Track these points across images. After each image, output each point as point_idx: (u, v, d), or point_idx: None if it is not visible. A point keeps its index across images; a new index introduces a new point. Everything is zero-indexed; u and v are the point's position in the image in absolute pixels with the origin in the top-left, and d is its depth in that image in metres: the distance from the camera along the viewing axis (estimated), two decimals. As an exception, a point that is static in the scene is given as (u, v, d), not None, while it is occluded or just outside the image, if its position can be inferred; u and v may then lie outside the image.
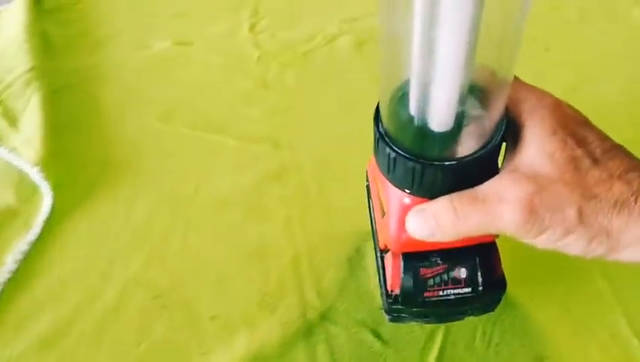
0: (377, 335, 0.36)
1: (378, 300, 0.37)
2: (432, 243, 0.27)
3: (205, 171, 0.45)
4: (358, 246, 0.40)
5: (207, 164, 0.46)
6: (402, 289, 0.29)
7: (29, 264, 0.40)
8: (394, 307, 0.31)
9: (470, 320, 0.36)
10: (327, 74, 0.53)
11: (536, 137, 0.23)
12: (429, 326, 0.36)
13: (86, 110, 0.51)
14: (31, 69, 0.52)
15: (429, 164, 0.23)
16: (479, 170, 0.24)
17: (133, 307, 0.38)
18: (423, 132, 0.24)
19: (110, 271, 0.40)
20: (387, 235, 0.29)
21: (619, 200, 0.22)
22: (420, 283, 0.29)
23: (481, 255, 0.29)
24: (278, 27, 0.57)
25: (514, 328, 0.36)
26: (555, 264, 0.38)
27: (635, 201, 0.22)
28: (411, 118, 0.24)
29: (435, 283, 0.29)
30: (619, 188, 0.22)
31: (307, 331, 0.36)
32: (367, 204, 0.36)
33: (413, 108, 0.24)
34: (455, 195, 0.24)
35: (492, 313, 0.35)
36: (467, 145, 0.24)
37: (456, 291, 0.29)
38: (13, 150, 0.46)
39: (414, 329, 0.36)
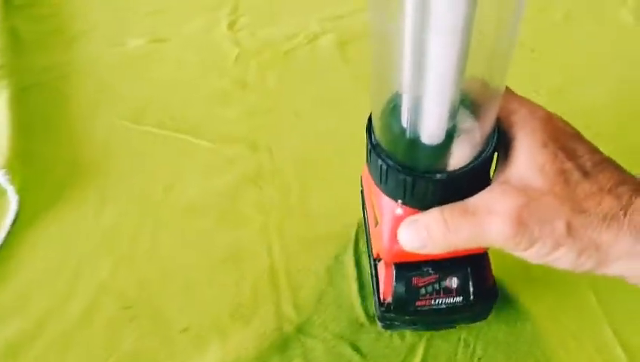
0: (356, 348, 0.34)
1: (357, 311, 0.36)
2: (425, 255, 0.27)
3: (177, 173, 0.44)
4: (337, 254, 0.39)
5: (180, 165, 0.44)
6: (395, 298, 0.30)
7: (-7, 270, 0.38)
8: (386, 315, 0.31)
9: (452, 332, 0.34)
10: (309, 74, 0.51)
11: (527, 149, 0.23)
12: (409, 339, 0.34)
13: (56, 109, 0.49)
14: (-1, 67, 0.50)
15: (420, 177, 0.24)
16: (471, 182, 0.24)
17: (102, 317, 0.36)
18: (415, 144, 0.24)
19: (78, 277, 0.38)
20: (380, 245, 0.29)
21: (608, 215, 0.22)
22: (412, 293, 0.29)
23: (473, 265, 0.29)
24: (258, 25, 0.55)
25: (497, 340, 0.34)
26: (542, 275, 0.37)
27: (624, 215, 0.22)
28: (403, 131, 0.24)
29: (427, 293, 0.29)
30: (608, 203, 0.22)
31: (283, 344, 0.34)
32: (356, 208, 0.37)
33: (404, 121, 0.24)
34: (446, 207, 0.24)
35: (475, 325, 0.34)
36: (458, 158, 0.24)
37: (447, 300, 0.29)
38: (-23, 152, 0.44)
39: (394, 342, 0.34)
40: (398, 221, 0.26)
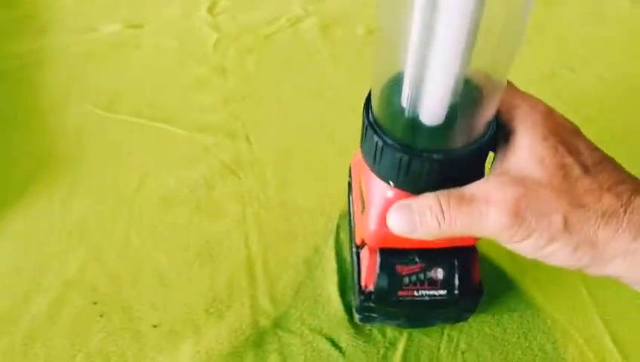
0: (334, 343, 0.33)
1: (336, 305, 0.34)
2: (411, 241, 0.26)
3: (152, 163, 0.42)
4: (317, 247, 0.37)
5: (154, 155, 0.43)
6: (377, 285, 0.29)
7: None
8: (366, 305, 0.30)
9: (434, 326, 0.33)
10: (291, 59, 0.50)
11: (528, 142, 0.23)
12: (390, 334, 0.33)
13: (25, 98, 0.47)
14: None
15: (417, 155, 0.23)
16: (466, 166, 0.24)
17: (69, 313, 0.35)
18: (413, 124, 0.24)
19: (44, 273, 0.36)
20: (366, 230, 0.28)
21: (607, 211, 0.22)
22: (396, 281, 0.28)
23: (460, 258, 0.28)
24: (238, 8, 0.54)
25: (483, 333, 0.33)
26: (531, 268, 0.36)
27: (624, 213, 0.22)
28: (402, 110, 0.24)
29: (410, 282, 0.28)
30: (608, 200, 0.22)
31: (259, 339, 0.33)
32: (338, 200, 0.37)
33: (405, 100, 0.24)
34: (442, 193, 0.24)
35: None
36: (456, 141, 0.24)
37: (431, 292, 0.28)
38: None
39: (374, 337, 0.33)
40: (388, 204, 0.25)
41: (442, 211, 0.23)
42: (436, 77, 0.21)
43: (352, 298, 0.34)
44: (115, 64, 0.49)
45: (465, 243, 0.28)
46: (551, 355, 0.32)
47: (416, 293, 0.28)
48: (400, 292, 0.28)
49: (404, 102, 0.24)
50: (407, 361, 0.32)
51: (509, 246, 0.24)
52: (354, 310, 0.32)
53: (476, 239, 0.28)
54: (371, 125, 0.24)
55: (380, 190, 0.26)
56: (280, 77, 0.48)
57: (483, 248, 0.37)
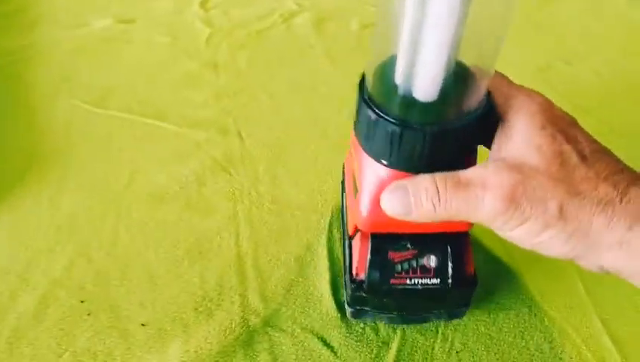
0: (326, 342, 0.32)
1: (328, 304, 0.33)
2: (404, 225, 0.25)
3: (142, 160, 0.42)
4: (309, 244, 0.37)
5: (144, 151, 0.42)
6: (368, 273, 0.28)
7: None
8: (357, 294, 0.29)
9: (430, 324, 0.32)
10: (284, 54, 0.49)
11: (525, 129, 0.23)
12: (383, 333, 0.32)
13: (15, 93, 0.46)
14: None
15: (409, 128, 0.23)
16: (458, 140, 0.24)
17: (56, 311, 0.34)
18: (407, 100, 0.24)
19: (31, 270, 0.36)
20: (358, 215, 0.27)
21: (603, 200, 0.22)
22: (388, 268, 0.28)
23: (453, 244, 0.28)
24: (231, 3, 0.53)
25: (478, 332, 0.32)
26: (527, 265, 0.35)
27: (620, 202, 0.22)
28: (396, 86, 0.24)
29: (402, 269, 0.28)
30: (604, 189, 0.22)
31: (248, 338, 0.32)
32: (330, 196, 0.36)
33: (399, 77, 0.24)
34: (438, 176, 0.24)
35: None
36: (448, 115, 0.24)
37: (424, 281, 0.28)
38: None
39: (367, 336, 0.32)
40: (381, 186, 0.25)
41: (438, 193, 0.23)
42: (429, 54, 0.22)
43: (344, 292, 0.33)
44: (106, 59, 0.49)
45: (459, 229, 0.27)
46: (548, 355, 0.32)
47: (408, 281, 0.28)
48: (392, 280, 0.28)
49: (398, 79, 0.24)
50: (400, 361, 0.31)
51: (503, 235, 0.24)
52: (345, 304, 0.32)
53: (470, 224, 0.27)
54: (365, 101, 0.24)
55: (373, 170, 0.25)
56: (273, 72, 0.48)
57: (480, 245, 0.36)
